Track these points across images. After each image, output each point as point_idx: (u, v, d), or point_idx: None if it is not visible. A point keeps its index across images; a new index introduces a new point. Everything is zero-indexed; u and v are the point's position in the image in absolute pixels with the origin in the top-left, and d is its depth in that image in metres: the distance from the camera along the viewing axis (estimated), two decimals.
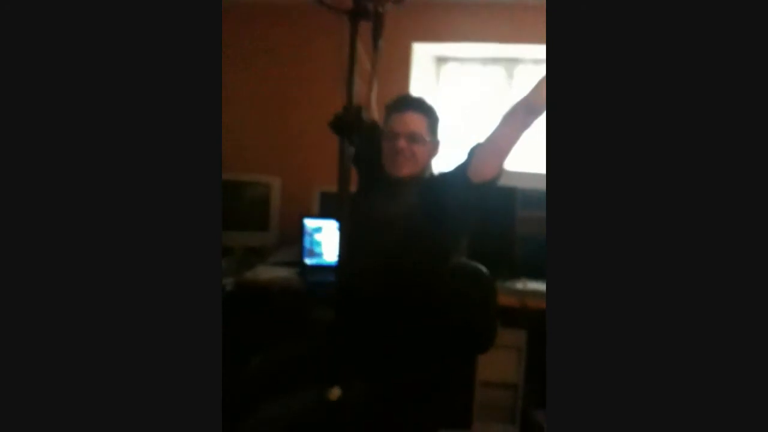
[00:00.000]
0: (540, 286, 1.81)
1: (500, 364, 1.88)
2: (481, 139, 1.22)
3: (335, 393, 0.86)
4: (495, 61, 2.42)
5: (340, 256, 0.95)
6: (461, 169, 1.21)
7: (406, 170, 1.26)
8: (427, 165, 1.32)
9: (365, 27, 0.88)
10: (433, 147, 1.32)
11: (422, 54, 2.37)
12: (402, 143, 1.24)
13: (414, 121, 1.27)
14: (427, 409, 1.25)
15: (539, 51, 2.31)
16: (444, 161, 1.40)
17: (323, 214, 2.08)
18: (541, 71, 2.41)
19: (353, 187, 1.19)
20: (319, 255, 1.99)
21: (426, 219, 1.19)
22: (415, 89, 2.33)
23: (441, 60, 2.48)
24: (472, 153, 1.23)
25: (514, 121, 1.18)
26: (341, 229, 0.93)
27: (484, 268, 1.38)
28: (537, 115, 1.16)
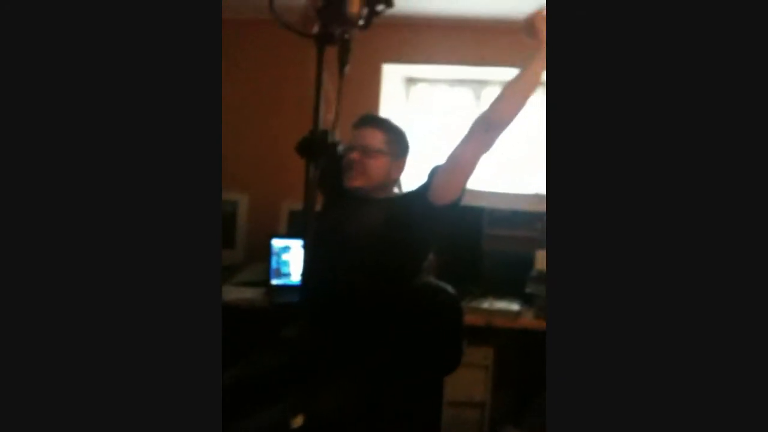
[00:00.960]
0: (506, 304, 1.84)
1: (467, 382, 1.88)
2: (442, 161, 1.24)
3: (298, 421, 0.85)
4: (463, 82, 2.48)
5: (303, 273, 0.95)
6: (422, 192, 1.24)
7: (357, 182, 1.29)
8: (383, 180, 1.33)
9: (332, 51, 0.89)
10: (391, 163, 1.33)
11: (392, 75, 2.40)
12: (355, 155, 1.28)
13: (370, 135, 1.31)
14: (394, 427, 1.24)
15: (506, 73, 2.37)
16: (413, 182, 1.42)
17: (291, 233, 2.06)
18: None
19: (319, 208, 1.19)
20: (287, 275, 1.97)
21: (387, 239, 1.20)
22: (385, 109, 2.36)
23: (410, 81, 2.52)
24: (433, 174, 1.25)
25: (473, 139, 1.21)
26: (305, 249, 0.93)
27: (450, 288, 1.40)
28: (496, 131, 1.19)
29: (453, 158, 1.23)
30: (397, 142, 1.35)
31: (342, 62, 0.87)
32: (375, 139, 1.31)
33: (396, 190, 1.39)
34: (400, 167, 1.37)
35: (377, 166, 1.30)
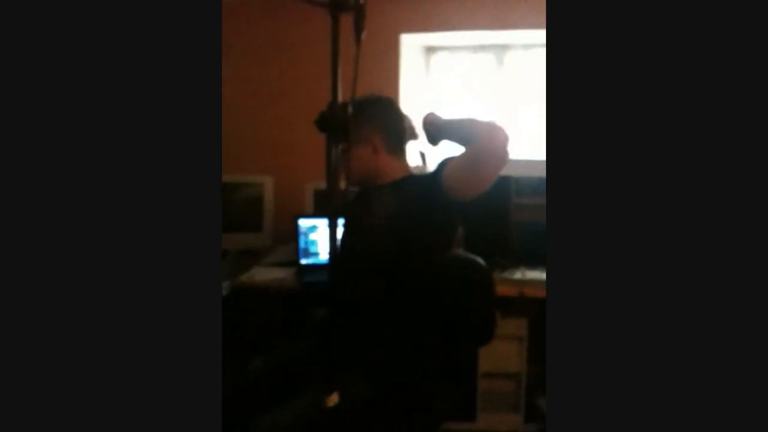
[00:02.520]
0: (538, 274, 1.80)
1: (502, 354, 1.87)
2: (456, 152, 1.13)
3: (333, 399, 0.84)
4: (484, 48, 2.39)
5: (331, 255, 0.93)
6: (437, 186, 1.12)
7: (349, 182, 1.24)
8: (372, 169, 1.24)
9: (346, 22, 0.85)
10: (374, 150, 1.23)
11: (411, 44, 2.34)
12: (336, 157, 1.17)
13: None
14: (430, 403, 1.24)
15: (529, 36, 2.28)
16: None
17: (318, 213, 2.06)
18: (531, 56, 2.40)
19: (343, 184, 1.17)
20: (315, 254, 1.98)
21: (409, 227, 1.14)
22: (405, 80, 2.31)
23: (430, 50, 2.46)
24: (443, 166, 1.14)
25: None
26: (331, 228, 0.91)
27: (480, 260, 1.37)
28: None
29: (471, 160, 1.10)
30: (366, 122, 1.22)
31: (357, 29, 0.83)
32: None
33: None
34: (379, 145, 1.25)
35: (357, 158, 1.21)
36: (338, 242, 1.12)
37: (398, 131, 1.27)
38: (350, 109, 0.86)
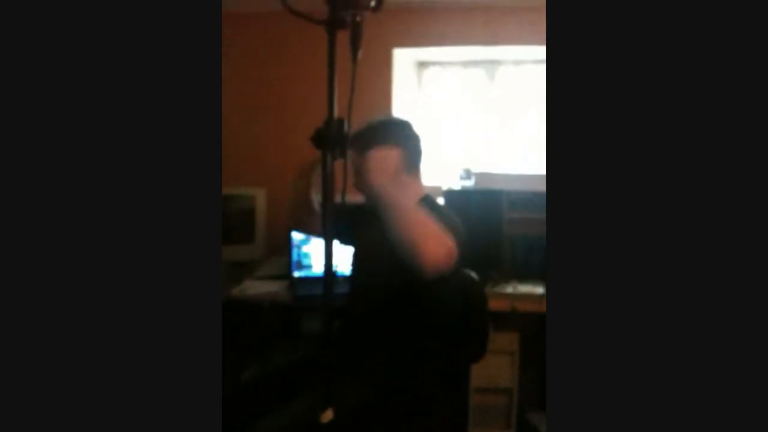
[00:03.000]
0: (530, 288, 1.81)
1: (494, 369, 1.87)
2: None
3: (328, 415, 0.83)
4: (476, 63, 2.43)
5: (326, 269, 0.92)
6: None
7: (364, 197, 1.22)
8: (384, 179, 1.17)
9: (343, 38, 0.86)
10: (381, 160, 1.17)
11: (403, 59, 2.36)
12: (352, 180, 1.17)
13: (355, 159, 1.21)
14: (423, 417, 1.23)
15: (519, 52, 2.32)
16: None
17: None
18: (522, 72, 2.43)
19: (338, 199, 1.17)
20: (308, 267, 1.97)
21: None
22: (398, 94, 2.33)
23: (422, 65, 2.48)
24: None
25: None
26: (326, 242, 0.91)
27: (474, 275, 1.37)
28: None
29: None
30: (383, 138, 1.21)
31: (354, 46, 0.84)
32: (359, 158, 1.18)
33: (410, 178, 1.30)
34: (388, 153, 1.19)
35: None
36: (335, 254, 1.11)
37: (416, 150, 1.28)
38: (346, 126, 0.87)
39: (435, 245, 0.99)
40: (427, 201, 1.26)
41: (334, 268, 0.89)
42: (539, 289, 1.80)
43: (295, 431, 1.05)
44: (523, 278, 1.87)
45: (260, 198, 2.12)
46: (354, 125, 1.00)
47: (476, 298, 1.36)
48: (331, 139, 0.85)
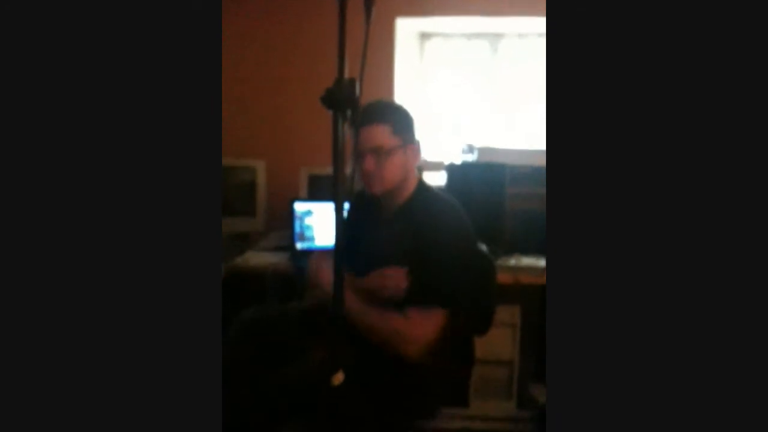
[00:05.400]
0: (532, 261, 1.81)
1: (495, 341, 1.88)
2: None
3: (339, 378, 0.83)
4: (479, 35, 2.38)
5: (337, 240, 0.89)
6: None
7: (377, 188, 1.20)
8: (404, 175, 1.22)
9: (352, 6, 0.83)
10: (406, 153, 1.21)
11: (406, 30, 2.32)
12: (368, 164, 1.17)
13: (378, 134, 1.17)
14: (425, 389, 1.24)
15: (523, 24, 2.28)
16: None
17: (313, 197, 2.04)
18: (525, 45, 2.40)
19: (348, 168, 1.15)
20: (311, 239, 1.96)
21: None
22: (399, 66, 2.29)
23: (425, 36, 2.43)
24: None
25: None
26: (337, 213, 0.88)
27: (485, 248, 1.37)
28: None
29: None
30: (404, 127, 1.21)
31: (368, 9, 0.81)
32: (384, 136, 1.17)
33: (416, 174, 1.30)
34: (416, 151, 1.24)
35: (394, 165, 1.18)
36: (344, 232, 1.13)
37: (407, 124, 1.25)
38: (358, 86, 0.84)
39: (411, 336, 1.08)
40: (432, 219, 1.20)
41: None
42: (541, 262, 1.81)
43: (305, 382, 1.08)
44: (525, 251, 1.86)
45: (260, 170, 2.10)
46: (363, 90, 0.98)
47: (488, 275, 1.36)
48: (342, 99, 0.82)
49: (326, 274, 1.17)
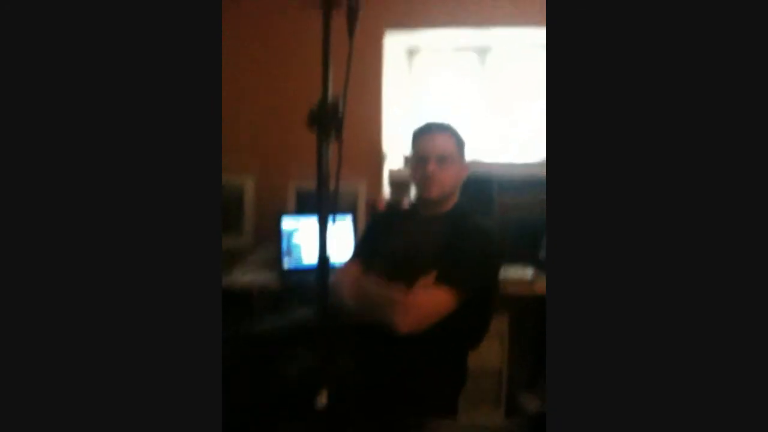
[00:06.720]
0: (519, 272, 1.82)
1: (484, 350, 1.88)
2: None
3: (323, 398, 0.84)
4: (467, 48, 2.41)
5: (320, 257, 0.90)
6: None
7: (434, 192, 1.30)
8: (456, 185, 1.36)
9: (337, 21, 0.85)
10: (461, 166, 1.36)
11: (394, 45, 2.34)
12: (431, 166, 1.28)
13: (444, 142, 1.31)
14: (414, 399, 1.24)
15: (511, 37, 2.31)
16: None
17: (300, 212, 2.04)
18: (513, 56, 2.43)
19: (333, 184, 1.16)
20: (298, 257, 1.94)
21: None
22: (388, 80, 2.31)
23: (413, 50, 2.46)
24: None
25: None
26: (321, 228, 0.89)
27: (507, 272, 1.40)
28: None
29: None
30: (462, 144, 1.37)
31: (351, 25, 0.83)
32: (449, 146, 1.31)
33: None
34: (465, 170, 1.38)
35: (453, 173, 1.32)
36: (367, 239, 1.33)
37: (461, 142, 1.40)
38: (342, 105, 0.86)
39: (407, 305, 1.13)
40: (467, 229, 1.31)
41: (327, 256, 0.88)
42: (528, 273, 1.82)
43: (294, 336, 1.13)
44: (513, 262, 1.88)
45: (248, 186, 2.09)
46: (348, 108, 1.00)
47: (495, 290, 1.39)
48: (327, 119, 0.84)
49: (349, 287, 1.26)
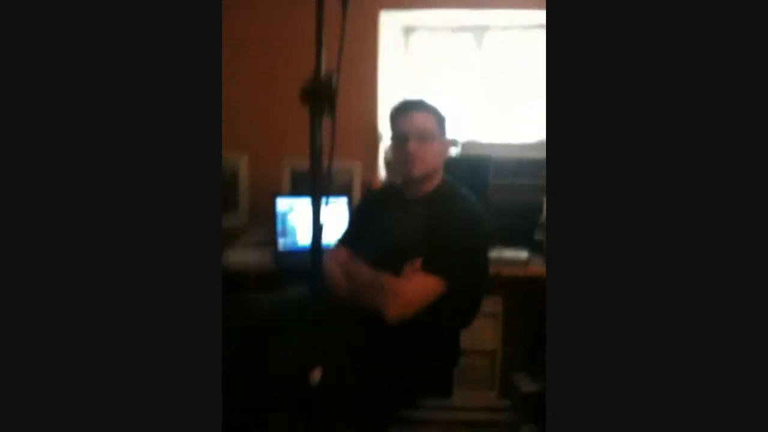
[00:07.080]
0: (514, 253, 1.83)
1: (478, 331, 1.90)
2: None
3: (316, 374, 0.84)
4: (464, 28, 2.38)
5: (314, 238, 0.90)
6: None
7: (417, 170, 1.28)
8: (439, 163, 1.33)
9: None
10: (443, 143, 1.33)
11: (390, 23, 2.30)
12: (412, 145, 1.26)
13: (423, 120, 1.28)
14: (407, 380, 1.25)
15: (508, 17, 2.28)
16: None
17: (295, 192, 2.03)
18: (510, 37, 2.40)
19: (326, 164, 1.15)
20: (293, 237, 1.94)
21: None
22: (384, 59, 2.28)
23: (409, 29, 2.43)
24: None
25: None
26: (314, 208, 0.88)
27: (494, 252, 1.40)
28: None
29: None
30: (442, 121, 1.34)
31: (344, 1, 0.81)
32: (428, 123, 1.29)
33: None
34: (448, 146, 1.37)
35: (435, 149, 1.29)
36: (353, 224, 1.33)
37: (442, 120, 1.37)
38: (335, 80, 0.84)
39: (396, 290, 1.13)
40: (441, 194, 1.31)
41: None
42: (523, 254, 1.83)
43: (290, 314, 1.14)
44: (508, 244, 1.88)
45: (243, 163, 2.08)
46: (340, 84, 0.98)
47: (484, 269, 1.38)
48: (321, 94, 0.82)
49: (338, 273, 1.26)
